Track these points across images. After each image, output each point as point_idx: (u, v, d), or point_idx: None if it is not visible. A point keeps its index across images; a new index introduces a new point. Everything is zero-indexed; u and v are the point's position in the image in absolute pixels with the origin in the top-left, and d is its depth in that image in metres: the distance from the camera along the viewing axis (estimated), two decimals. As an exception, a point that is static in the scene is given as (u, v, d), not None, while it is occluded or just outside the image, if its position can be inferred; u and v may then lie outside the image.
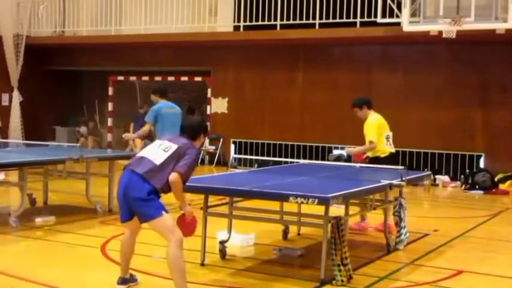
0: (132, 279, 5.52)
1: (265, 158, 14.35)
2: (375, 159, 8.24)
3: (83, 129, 19.27)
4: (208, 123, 17.27)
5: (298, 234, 7.96)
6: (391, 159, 8.24)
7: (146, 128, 9.60)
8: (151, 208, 4.97)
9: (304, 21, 14.85)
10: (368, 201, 6.78)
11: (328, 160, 8.32)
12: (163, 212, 4.99)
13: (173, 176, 4.96)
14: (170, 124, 9.13)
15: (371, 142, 8.26)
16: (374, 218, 8.03)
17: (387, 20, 13.41)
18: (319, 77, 15.75)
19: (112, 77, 18.38)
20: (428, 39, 13.16)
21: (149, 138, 16.09)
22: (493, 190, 13.04)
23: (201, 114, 18.52)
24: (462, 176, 13.95)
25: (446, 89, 14.44)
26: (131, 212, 5.11)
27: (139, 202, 4.97)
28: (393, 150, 8.45)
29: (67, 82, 19.42)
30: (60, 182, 9.49)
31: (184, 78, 17.63)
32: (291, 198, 5.53)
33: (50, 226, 8.20)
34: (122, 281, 5.43)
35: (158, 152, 5.11)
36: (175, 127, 9.41)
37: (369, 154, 8.41)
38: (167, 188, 5.04)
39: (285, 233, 7.72)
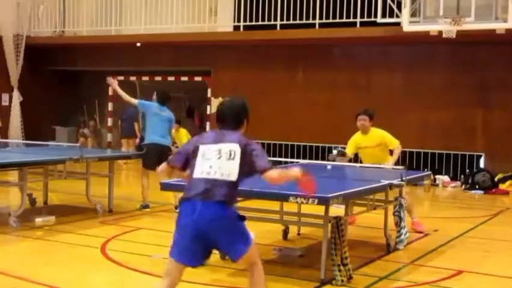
0: None
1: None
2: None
3: (86, 130, 19.27)
4: (208, 123, 17.31)
5: (298, 234, 7.96)
6: None
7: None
8: (245, 238, 4.15)
9: (304, 21, 14.85)
10: (368, 201, 6.78)
11: (328, 160, 8.33)
12: (252, 236, 4.22)
13: (268, 176, 4.13)
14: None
15: (398, 147, 8.40)
16: (373, 218, 8.03)
17: (387, 20, 13.41)
18: (319, 77, 15.74)
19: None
20: (428, 39, 13.15)
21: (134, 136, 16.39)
22: (493, 190, 13.05)
23: (201, 114, 18.54)
24: (462, 176, 13.95)
25: (446, 89, 14.43)
26: (204, 253, 4.18)
27: (234, 238, 4.10)
28: None
29: (67, 82, 19.42)
30: (60, 182, 9.49)
31: (184, 78, 17.62)
32: (291, 198, 5.53)
33: (50, 226, 8.20)
34: None
35: (225, 163, 4.13)
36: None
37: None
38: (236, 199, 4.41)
39: (285, 233, 7.72)
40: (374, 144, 8.50)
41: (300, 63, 16.01)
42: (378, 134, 8.54)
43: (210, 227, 4.02)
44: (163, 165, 4.44)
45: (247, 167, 4.15)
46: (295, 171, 4.29)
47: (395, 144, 8.46)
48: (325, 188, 6.07)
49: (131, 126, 16.55)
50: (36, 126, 18.29)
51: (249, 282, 4.31)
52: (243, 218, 4.17)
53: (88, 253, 6.82)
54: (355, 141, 8.65)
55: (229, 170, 4.12)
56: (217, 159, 4.15)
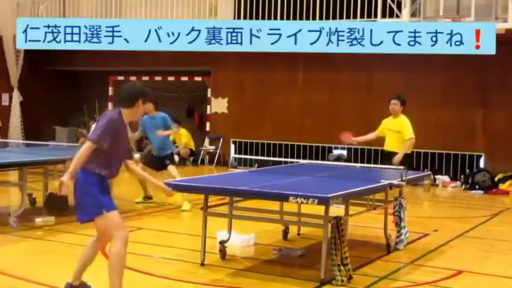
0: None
1: (265, 158, 14.33)
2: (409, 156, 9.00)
3: (85, 131, 19.27)
4: (208, 123, 17.31)
5: (298, 234, 7.95)
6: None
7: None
8: (92, 205, 4.99)
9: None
10: (368, 201, 6.78)
11: (328, 160, 8.42)
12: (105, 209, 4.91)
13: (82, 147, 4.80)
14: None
15: (410, 139, 8.88)
16: (373, 218, 8.02)
17: (387, 20, 13.40)
18: (319, 77, 15.74)
19: (112, 77, 18.38)
20: (428, 39, 13.14)
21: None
22: (493, 190, 13.04)
23: (201, 114, 18.54)
24: (462, 176, 13.95)
25: (446, 88, 14.43)
26: None
27: (82, 200, 5.06)
28: None
29: (67, 82, 19.42)
30: (60, 182, 9.46)
31: (184, 78, 17.62)
32: (291, 198, 5.53)
33: (50, 226, 8.20)
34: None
35: None
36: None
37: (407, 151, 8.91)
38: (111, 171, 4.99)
39: (285, 233, 7.71)
40: (396, 130, 8.94)
41: (300, 63, 16.00)
42: (401, 121, 8.96)
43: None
44: None
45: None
46: (68, 176, 4.73)
47: (408, 135, 8.87)
48: (325, 188, 6.07)
49: None
50: (36, 126, 18.28)
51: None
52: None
53: (88, 253, 6.80)
54: (384, 122, 9.23)
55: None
56: None
